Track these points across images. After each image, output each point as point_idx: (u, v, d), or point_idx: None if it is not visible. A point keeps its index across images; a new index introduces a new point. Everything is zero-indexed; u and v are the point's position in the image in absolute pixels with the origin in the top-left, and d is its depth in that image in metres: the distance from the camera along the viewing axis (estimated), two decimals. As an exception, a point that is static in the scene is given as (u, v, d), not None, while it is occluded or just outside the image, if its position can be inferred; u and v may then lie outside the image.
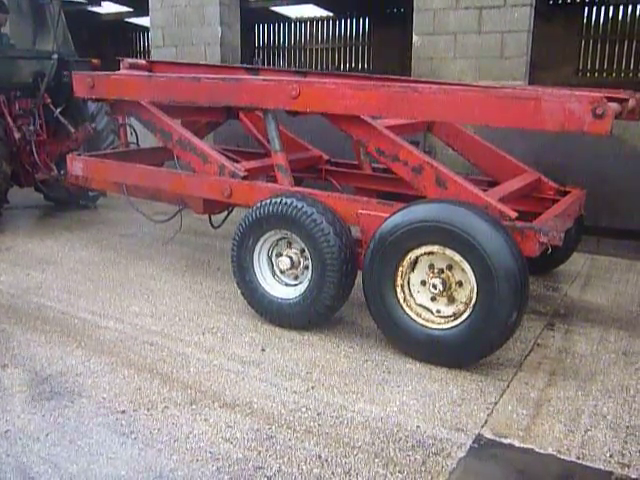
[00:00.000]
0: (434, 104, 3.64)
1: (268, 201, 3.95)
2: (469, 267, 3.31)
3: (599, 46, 14.41)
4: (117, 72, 5.43)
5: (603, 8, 14.23)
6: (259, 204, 4.00)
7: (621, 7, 14.06)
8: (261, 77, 4.77)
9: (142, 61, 5.87)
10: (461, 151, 5.09)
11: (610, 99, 3.25)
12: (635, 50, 14.03)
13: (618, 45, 14.27)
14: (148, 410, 3.07)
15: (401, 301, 3.57)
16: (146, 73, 5.48)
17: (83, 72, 5.37)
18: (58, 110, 6.79)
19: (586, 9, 14.35)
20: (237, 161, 4.88)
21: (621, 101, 3.52)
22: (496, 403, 3.17)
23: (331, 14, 17.02)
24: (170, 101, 4.75)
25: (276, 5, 15.80)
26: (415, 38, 7.14)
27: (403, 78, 5.26)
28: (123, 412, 3.05)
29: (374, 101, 3.82)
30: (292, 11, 16.84)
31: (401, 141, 4.03)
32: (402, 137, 4.15)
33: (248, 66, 5.80)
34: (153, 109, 4.89)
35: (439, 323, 3.49)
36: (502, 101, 3.45)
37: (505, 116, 3.45)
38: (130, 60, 5.70)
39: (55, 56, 6.68)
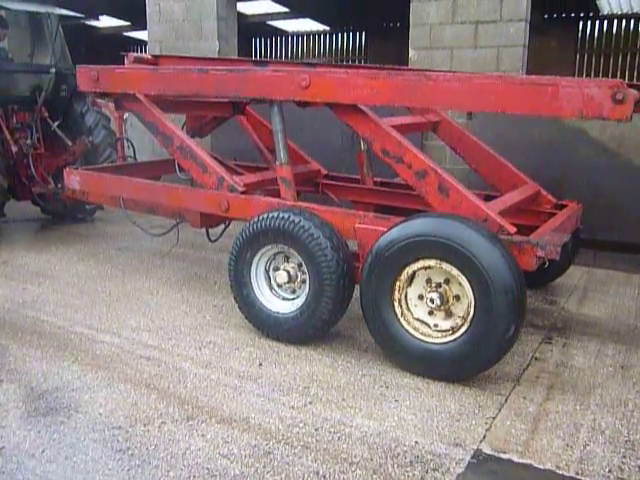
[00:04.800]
0: (449, 92, 3.58)
1: (265, 215, 3.94)
2: (466, 281, 3.31)
3: (594, 60, 14.57)
4: (122, 66, 5.31)
5: (597, 22, 14.39)
6: (256, 218, 3.99)
7: (615, 21, 14.22)
8: (270, 68, 4.69)
9: (147, 55, 5.74)
10: (463, 155, 5.02)
11: (629, 86, 3.20)
12: (630, 64, 14.17)
13: (613, 59, 14.41)
14: (145, 426, 3.05)
15: (398, 315, 3.56)
16: (152, 67, 5.38)
17: (87, 66, 5.20)
18: (56, 124, 6.82)
19: (581, 23, 14.51)
20: (240, 174, 4.81)
21: None
22: (494, 418, 3.16)
23: (328, 28, 17.16)
24: (177, 94, 4.64)
25: (273, 19, 15.96)
26: (411, 52, 7.19)
27: (415, 68, 5.11)
28: (119, 428, 3.02)
29: (387, 90, 3.75)
30: (289, 25, 16.97)
31: (407, 143, 3.96)
32: (407, 136, 4.06)
33: (256, 59, 5.71)
34: (157, 112, 4.79)
35: (437, 337, 3.48)
36: (519, 87, 3.39)
37: (522, 103, 3.39)
38: (135, 54, 5.56)
39: (53, 70, 6.72)
